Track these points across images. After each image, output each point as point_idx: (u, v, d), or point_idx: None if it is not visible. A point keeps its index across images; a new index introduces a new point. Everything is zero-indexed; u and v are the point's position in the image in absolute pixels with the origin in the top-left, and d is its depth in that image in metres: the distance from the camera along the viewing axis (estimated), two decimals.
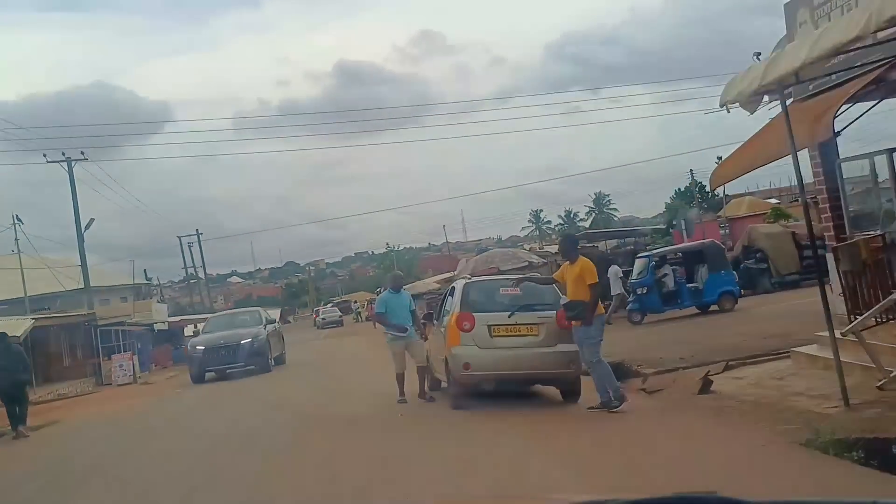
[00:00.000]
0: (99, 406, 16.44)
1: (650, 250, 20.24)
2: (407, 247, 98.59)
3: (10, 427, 11.57)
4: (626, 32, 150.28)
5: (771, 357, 9.51)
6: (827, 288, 6.48)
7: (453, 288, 9.21)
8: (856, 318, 6.79)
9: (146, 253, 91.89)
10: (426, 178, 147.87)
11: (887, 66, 6.44)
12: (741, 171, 8.17)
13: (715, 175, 8.65)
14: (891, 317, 6.71)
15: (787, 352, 9.35)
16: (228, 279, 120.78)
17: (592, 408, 7.39)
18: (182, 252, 49.16)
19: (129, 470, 7.86)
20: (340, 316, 52.24)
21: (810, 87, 7.83)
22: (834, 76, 7.15)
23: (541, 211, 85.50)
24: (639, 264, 17.84)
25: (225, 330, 18.31)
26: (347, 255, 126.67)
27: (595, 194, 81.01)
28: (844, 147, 8.49)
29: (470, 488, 4.98)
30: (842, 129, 7.89)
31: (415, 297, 12.19)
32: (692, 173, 46.37)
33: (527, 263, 18.12)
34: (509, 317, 8.15)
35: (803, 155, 8.99)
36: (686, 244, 20.62)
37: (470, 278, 9.29)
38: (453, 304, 8.64)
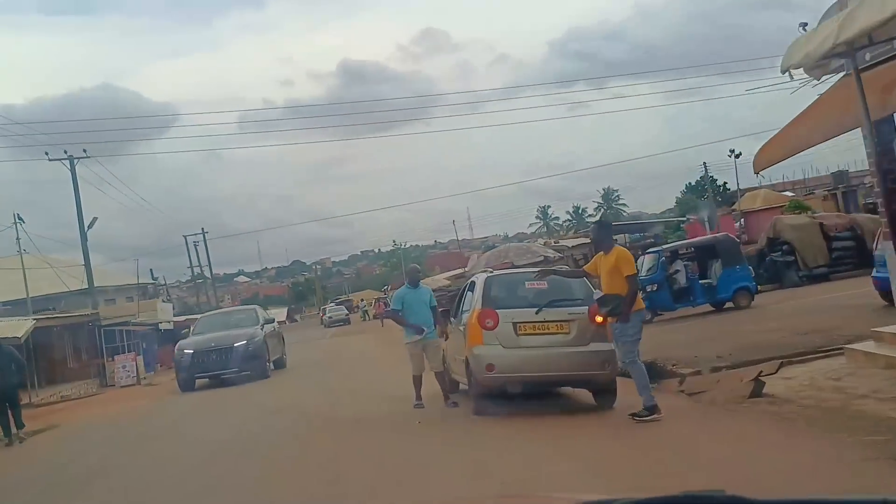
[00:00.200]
0: (100, 408, 15.82)
1: (670, 243, 19.47)
2: (413, 244, 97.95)
3: (2, 433, 10.97)
4: (630, 28, 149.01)
5: (820, 355, 8.74)
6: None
7: (473, 282, 8.46)
8: None
9: (153, 253, 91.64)
10: (430, 175, 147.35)
11: None
12: (791, 150, 7.41)
13: (758, 157, 7.87)
14: None
15: (838, 349, 8.62)
16: (235, 278, 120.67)
17: (635, 415, 6.62)
18: (188, 251, 48.78)
19: (125, 478, 7.31)
20: (347, 314, 51.79)
21: (867, 56, 7.07)
22: None
23: (548, 207, 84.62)
24: (648, 260, 17.06)
25: (217, 331, 16.49)
26: (353, 254, 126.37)
27: (603, 189, 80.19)
28: None
29: None
30: None
31: None
32: (706, 166, 45.36)
33: (542, 258, 17.38)
34: (537, 313, 7.41)
35: (854, 134, 8.25)
36: (698, 238, 19.83)
37: (491, 272, 8.51)
38: (474, 300, 7.91)
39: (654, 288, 16.22)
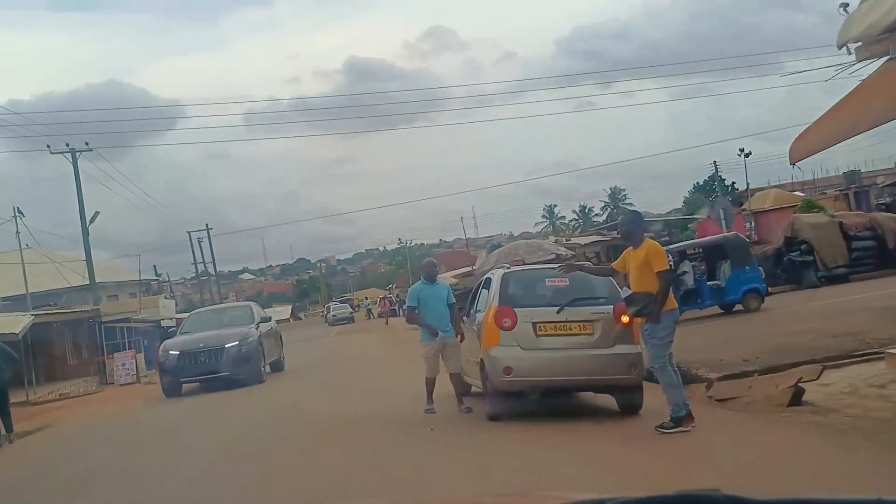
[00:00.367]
0: (97, 408, 15.37)
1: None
2: (418, 243, 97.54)
3: None
4: (637, 26, 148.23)
5: (856, 360, 8.21)
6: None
7: (488, 279, 7.93)
8: None
9: (157, 249, 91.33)
10: (435, 174, 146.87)
11: None
12: (833, 139, 6.86)
13: (796, 146, 7.31)
14: None
15: (875, 353, 8.09)
16: (240, 276, 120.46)
17: (661, 427, 6.08)
18: (192, 247, 48.38)
19: (115, 485, 6.85)
20: (351, 312, 51.45)
21: None
22: None
23: (555, 206, 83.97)
24: None
25: (207, 330, 14.81)
26: (358, 252, 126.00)
27: (610, 189, 79.49)
28: None
29: None
30: None
31: None
32: (716, 165, 44.74)
33: (554, 256, 16.86)
34: (558, 312, 6.89)
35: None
36: (706, 238, 19.23)
37: (508, 268, 7.97)
38: (490, 299, 7.39)
39: None
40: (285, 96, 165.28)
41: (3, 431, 10.52)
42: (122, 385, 20.95)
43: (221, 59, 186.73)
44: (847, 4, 7.15)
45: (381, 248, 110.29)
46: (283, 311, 68.14)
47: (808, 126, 7.34)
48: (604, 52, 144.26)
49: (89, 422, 12.60)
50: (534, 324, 6.91)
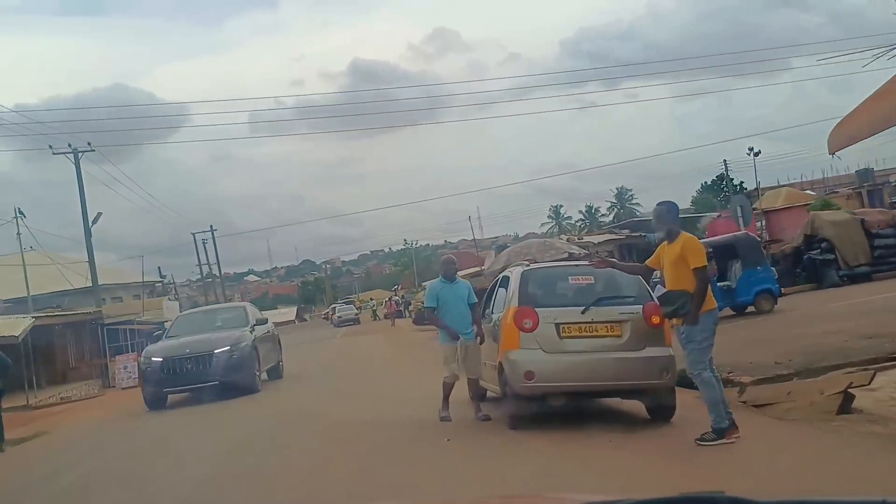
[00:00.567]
0: (97, 412, 14.88)
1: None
2: (424, 244, 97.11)
3: None
4: (642, 27, 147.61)
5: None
6: None
7: (506, 278, 7.42)
8: None
9: (163, 251, 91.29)
10: (439, 175, 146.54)
11: None
12: (879, 126, 6.36)
13: (836, 134, 6.82)
14: None
15: None
16: (245, 277, 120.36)
17: (701, 439, 5.56)
18: (196, 249, 48.10)
19: (108, 498, 6.42)
20: (357, 314, 51.07)
21: None
22: None
23: (561, 206, 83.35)
24: None
25: (195, 334, 13.23)
26: (363, 253, 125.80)
27: (617, 189, 78.83)
28: None
29: None
30: None
31: None
32: (726, 164, 44.14)
33: (566, 255, 16.35)
34: (583, 312, 6.39)
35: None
36: (716, 237, 18.64)
37: (528, 265, 7.46)
38: (508, 298, 6.89)
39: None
40: (290, 98, 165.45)
41: None
42: (123, 388, 20.50)
43: (226, 62, 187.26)
44: None
45: (387, 250, 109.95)
46: (288, 313, 67.82)
47: (846, 114, 6.86)
48: (608, 53, 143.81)
49: (86, 428, 12.07)
50: (557, 325, 6.42)
